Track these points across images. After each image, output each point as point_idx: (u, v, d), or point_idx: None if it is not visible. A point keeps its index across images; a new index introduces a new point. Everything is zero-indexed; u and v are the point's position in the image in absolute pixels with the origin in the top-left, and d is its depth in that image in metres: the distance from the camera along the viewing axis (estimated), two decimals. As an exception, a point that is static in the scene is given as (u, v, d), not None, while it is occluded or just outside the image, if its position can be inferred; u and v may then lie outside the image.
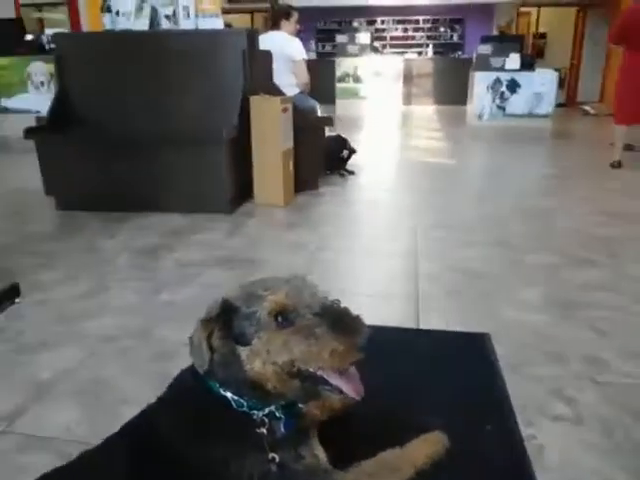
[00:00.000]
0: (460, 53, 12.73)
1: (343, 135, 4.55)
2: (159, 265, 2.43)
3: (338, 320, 0.85)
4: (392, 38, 13.70)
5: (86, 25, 8.84)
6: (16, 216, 3.30)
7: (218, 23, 3.54)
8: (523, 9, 12.33)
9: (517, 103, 6.98)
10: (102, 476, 0.89)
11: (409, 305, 1.98)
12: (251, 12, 13.66)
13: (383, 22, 13.69)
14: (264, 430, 0.90)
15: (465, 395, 1.40)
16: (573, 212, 3.27)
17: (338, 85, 10.56)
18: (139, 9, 3.43)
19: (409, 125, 8.74)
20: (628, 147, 5.11)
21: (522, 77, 6.94)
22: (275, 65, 3.96)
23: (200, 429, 0.90)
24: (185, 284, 2.19)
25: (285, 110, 3.33)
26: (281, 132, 3.29)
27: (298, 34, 4.62)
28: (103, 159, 3.30)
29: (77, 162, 3.33)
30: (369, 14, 13.41)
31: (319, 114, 4.49)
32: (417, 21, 13.59)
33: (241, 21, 12.73)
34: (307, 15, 9.40)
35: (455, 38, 13.44)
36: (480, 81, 7.07)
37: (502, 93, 7.01)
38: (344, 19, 13.46)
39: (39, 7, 10.28)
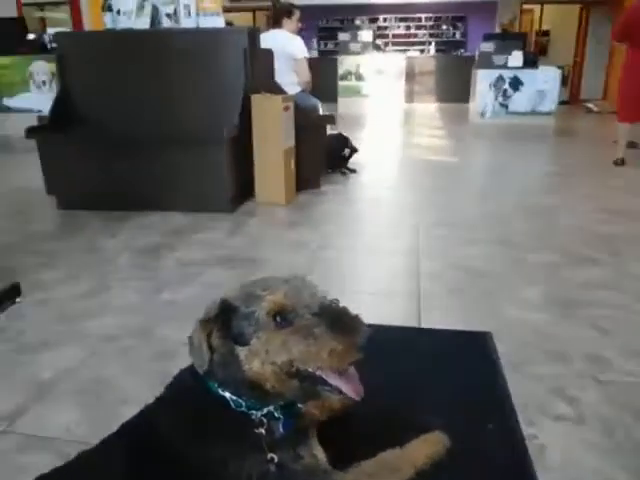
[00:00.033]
0: (463, 51, 12.69)
1: (345, 134, 4.54)
2: (160, 264, 2.43)
3: (337, 320, 0.85)
4: (394, 36, 13.64)
5: (88, 24, 8.86)
6: (17, 215, 3.31)
7: (219, 21, 3.53)
8: (526, 6, 12.28)
9: (520, 101, 6.96)
10: (100, 476, 0.89)
11: (411, 303, 1.98)
12: (253, 10, 13.64)
13: (385, 20, 13.64)
14: (263, 430, 0.90)
15: (466, 394, 1.40)
16: (576, 210, 3.26)
17: (340, 83, 10.55)
18: (140, 8, 3.43)
19: (411, 123, 8.72)
20: (631, 145, 5.09)
21: (525, 75, 6.92)
22: (277, 63, 3.95)
23: (199, 429, 0.89)
24: (186, 283, 2.19)
25: (287, 109, 3.33)
26: (282, 131, 3.28)
27: (300, 32, 4.61)
28: (104, 158, 3.30)
29: (78, 161, 3.33)
30: (371, 12, 13.38)
31: (321, 112, 4.48)
32: (419, 19, 13.53)
33: (243, 19, 12.71)
34: (309, 13, 9.38)
35: (458, 36, 13.37)
36: (483, 79, 7.06)
37: (505, 91, 6.99)
38: (346, 17, 13.42)
39: (41, 6, 10.30)
